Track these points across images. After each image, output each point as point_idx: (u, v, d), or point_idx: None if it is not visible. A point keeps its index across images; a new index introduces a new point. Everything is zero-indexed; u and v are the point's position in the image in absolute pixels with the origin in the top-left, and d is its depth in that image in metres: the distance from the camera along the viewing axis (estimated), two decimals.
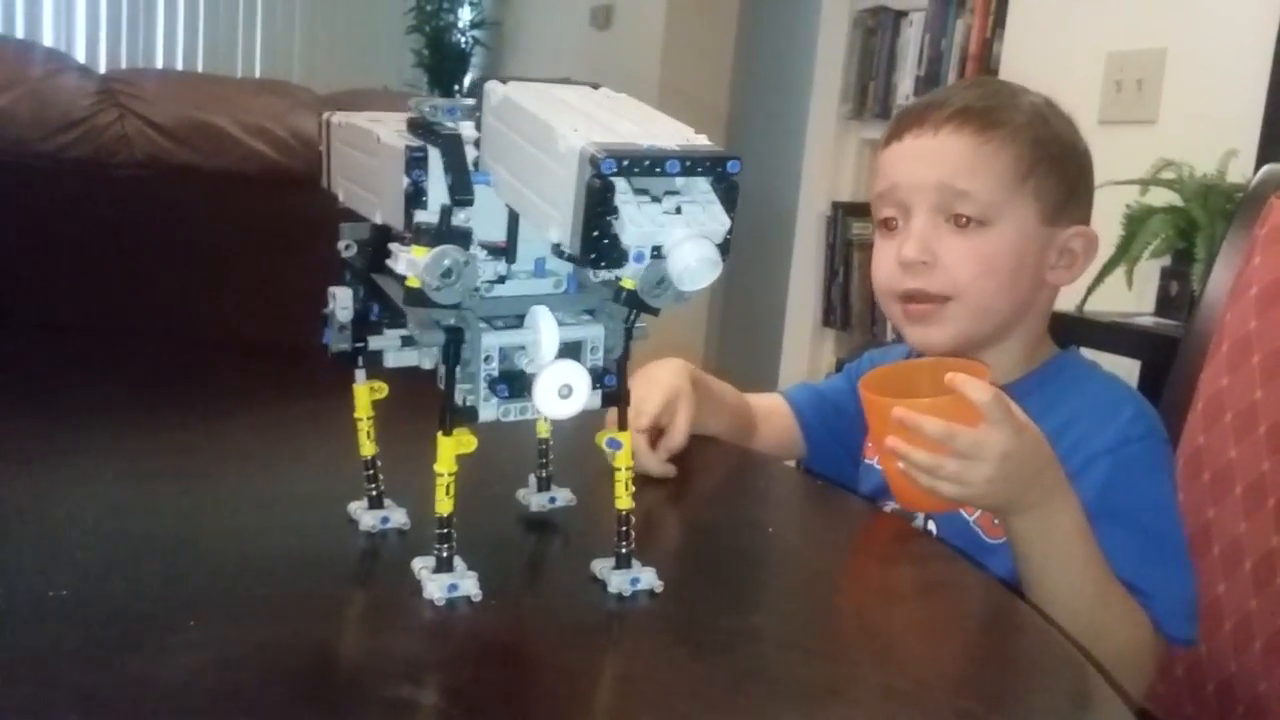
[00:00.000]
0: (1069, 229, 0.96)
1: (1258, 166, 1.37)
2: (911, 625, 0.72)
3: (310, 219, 1.73)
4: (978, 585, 0.76)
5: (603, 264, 0.51)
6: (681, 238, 0.50)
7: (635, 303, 0.54)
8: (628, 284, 0.52)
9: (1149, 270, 1.94)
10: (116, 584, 0.62)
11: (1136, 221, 1.89)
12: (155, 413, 0.98)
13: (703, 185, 0.52)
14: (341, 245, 0.67)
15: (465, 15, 5.20)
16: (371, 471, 0.71)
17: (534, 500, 0.76)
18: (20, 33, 4.47)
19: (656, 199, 0.51)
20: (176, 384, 1.11)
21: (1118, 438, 0.90)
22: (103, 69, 1.89)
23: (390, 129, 0.61)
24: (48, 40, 4.51)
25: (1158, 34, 2.19)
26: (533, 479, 0.77)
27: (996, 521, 0.90)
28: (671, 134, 0.53)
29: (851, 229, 3.14)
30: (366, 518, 0.71)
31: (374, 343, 0.68)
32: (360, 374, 0.70)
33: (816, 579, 0.79)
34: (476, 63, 5.21)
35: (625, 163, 0.49)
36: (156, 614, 0.58)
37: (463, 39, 5.15)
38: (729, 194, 0.52)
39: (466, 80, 5.13)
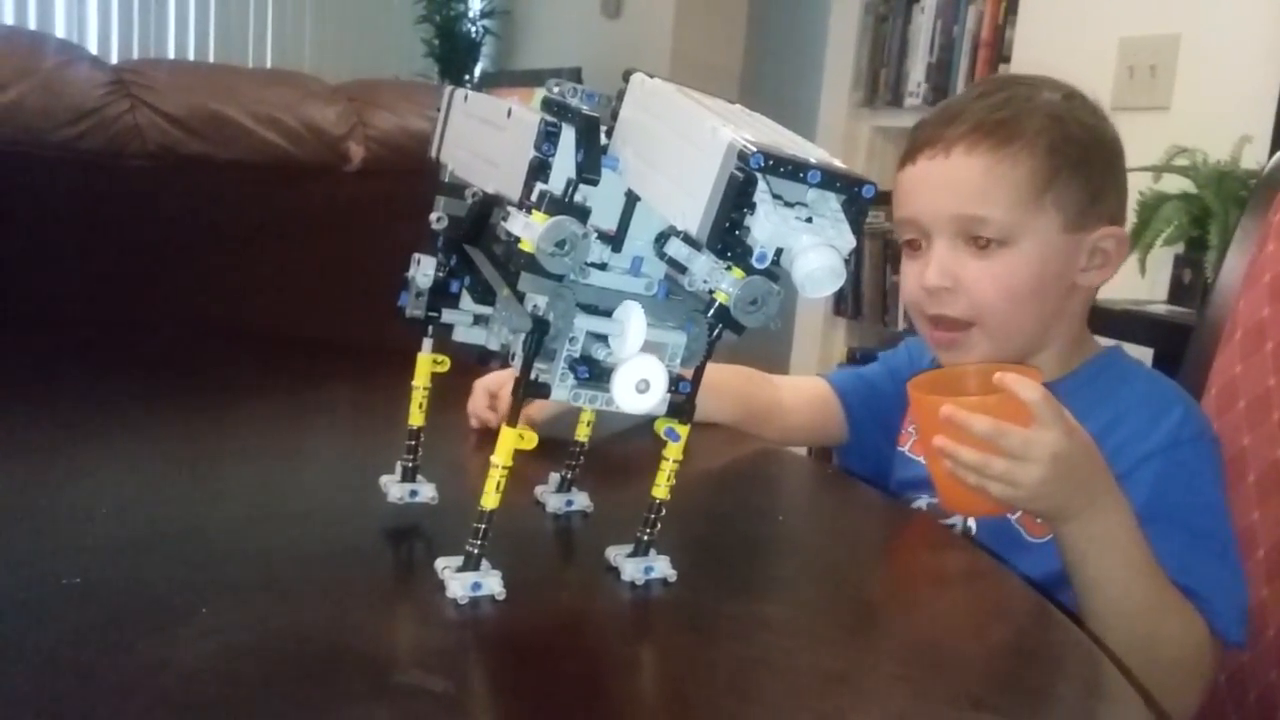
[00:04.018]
0: (1097, 230, 0.94)
1: (1271, 153, 1.37)
2: (923, 614, 0.72)
3: (321, 210, 1.74)
4: (993, 575, 0.76)
5: (727, 255, 0.52)
6: (809, 244, 0.52)
7: (724, 318, 0.54)
8: (721, 298, 0.53)
9: (1162, 257, 1.93)
10: (127, 572, 0.62)
11: (1149, 208, 1.88)
12: (166, 403, 0.98)
13: (834, 203, 0.53)
14: (434, 217, 0.69)
15: (475, 4, 5.18)
16: (412, 443, 0.72)
17: (551, 500, 0.76)
18: (32, 23, 4.47)
19: (789, 206, 0.53)
20: (188, 375, 1.11)
21: (1169, 439, 0.89)
22: (114, 59, 1.90)
23: (521, 106, 0.63)
24: (60, 31, 4.51)
25: (1171, 19, 2.18)
26: (554, 477, 0.77)
27: (1039, 520, 0.89)
28: (810, 150, 0.54)
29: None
30: (395, 489, 0.72)
31: (447, 315, 0.70)
32: (427, 343, 0.71)
33: (827, 567, 0.79)
34: (487, 52, 5.20)
35: (771, 161, 0.51)
36: (167, 601, 0.58)
37: (473, 28, 5.13)
38: (856, 218, 0.53)
39: (477, 70, 5.12)
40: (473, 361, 0.69)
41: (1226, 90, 2.06)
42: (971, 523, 0.95)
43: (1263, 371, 1.01)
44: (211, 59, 4.84)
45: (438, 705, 0.52)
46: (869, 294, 3.13)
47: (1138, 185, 1.93)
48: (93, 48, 4.36)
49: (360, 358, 1.16)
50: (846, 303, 3.22)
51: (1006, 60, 2.71)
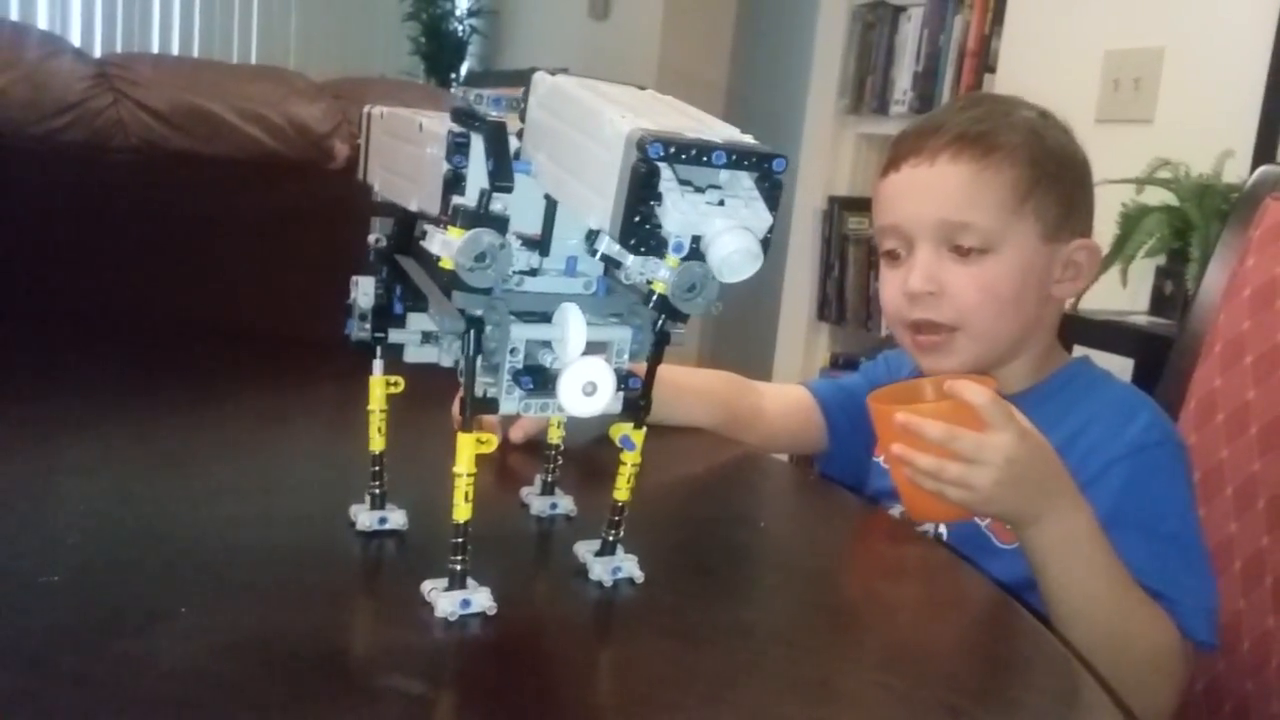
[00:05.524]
0: (1072, 242, 0.97)
1: (1253, 167, 1.37)
2: (903, 621, 0.72)
3: (305, 206, 1.74)
4: (971, 583, 0.76)
5: (642, 250, 0.50)
6: (722, 228, 0.50)
7: (665, 307, 0.53)
8: (658, 287, 0.52)
9: (1144, 269, 1.94)
10: (107, 570, 0.62)
11: (1132, 220, 1.89)
12: (147, 399, 0.97)
13: (746, 182, 0.51)
14: (372, 239, 0.67)
15: (462, 3, 5.17)
16: (377, 469, 0.70)
17: (535, 503, 0.76)
18: (15, 15, 4.44)
19: (700, 190, 0.51)
20: (169, 370, 1.10)
21: (1134, 444, 0.90)
22: (98, 53, 1.88)
23: (433, 119, 0.61)
24: (43, 23, 4.48)
25: (1156, 33, 2.19)
26: (538, 480, 0.77)
27: (1007, 527, 0.90)
28: (719, 130, 0.52)
29: (848, 223, 3.13)
30: (364, 517, 0.70)
31: (394, 336, 0.67)
32: (378, 365, 0.69)
33: (808, 574, 0.79)
34: (474, 51, 5.19)
35: (672, 149, 0.48)
36: (147, 600, 0.58)
37: (460, 27, 5.12)
38: (771, 193, 0.52)
39: (463, 69, 5.11)
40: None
41: (1210, 104, 2.07)
42: (943, 529, 0.96)
43: (1242, 384, 1.02)
44: (196, 54, 4.82)
45: (417, 708, 0.52)
46: (852, 300, 3.14)
47: (1120, 197, 1.94)
48: (76, 41, 4.33)
49: (342, 356, 1.15)
50: (830, 308, 3.23)
51: (992, 70, 2.72)
